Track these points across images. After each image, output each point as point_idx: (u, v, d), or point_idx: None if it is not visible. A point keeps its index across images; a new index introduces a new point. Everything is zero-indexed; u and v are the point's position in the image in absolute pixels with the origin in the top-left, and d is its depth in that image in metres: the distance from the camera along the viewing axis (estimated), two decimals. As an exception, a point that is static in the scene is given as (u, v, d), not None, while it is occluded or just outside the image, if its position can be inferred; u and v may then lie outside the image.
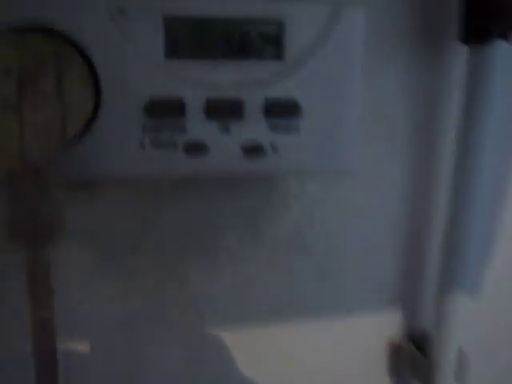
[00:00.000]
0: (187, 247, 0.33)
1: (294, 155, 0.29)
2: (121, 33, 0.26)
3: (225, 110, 0.28)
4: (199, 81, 0.28)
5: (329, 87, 0.29)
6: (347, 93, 0.30)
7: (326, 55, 0.29)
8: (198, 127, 0.28)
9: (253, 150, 0.29)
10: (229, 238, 0.34)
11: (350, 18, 0.29)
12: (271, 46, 0.28)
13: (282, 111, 0.29)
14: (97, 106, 0.26)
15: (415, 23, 0.34)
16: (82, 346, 0.33)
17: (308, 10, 0.28)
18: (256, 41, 0.28)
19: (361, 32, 0.29)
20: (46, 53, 0.25)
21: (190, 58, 0.27)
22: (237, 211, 0.33)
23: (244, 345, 0.35)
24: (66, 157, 0.26)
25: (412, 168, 0.36)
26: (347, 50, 0.29)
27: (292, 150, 0.29)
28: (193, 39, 0.27)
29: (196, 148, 0.28)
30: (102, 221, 0.31)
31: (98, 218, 0.31)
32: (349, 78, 0.30)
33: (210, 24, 0.27)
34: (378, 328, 0.38)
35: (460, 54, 0.34)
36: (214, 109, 0.28)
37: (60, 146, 0.25)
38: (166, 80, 0.27)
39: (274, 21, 0.28)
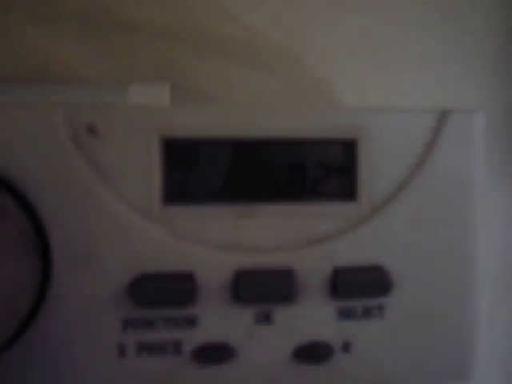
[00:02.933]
0: None
1: (377, 356, 0.17)
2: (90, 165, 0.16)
3: (265, 288, 0.16)
4: (216, 238, 0.16)
5: (437, 237, 0.18)
6: (466, 247, 0.18)
7: (427, 185, 0.17)
8: (216, 319, 0.16)
9: (311, 351, 0.17)
10: None
11: (464, 123, 0.17)
12: (337, 178, 0.17)
13: (359, 286, 0.17)
14: (44, 287, 0.15)
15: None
16: None
17: (394, 120, 0.17)
18: (314, 172, 0.17)
19: (480, 148, 0.18)
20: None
21: (197, 204, 0.16)
22: None
23: None
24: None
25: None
26: (461, 174, 0.18)
27: (375, 349, 0.17)
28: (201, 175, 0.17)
29: (213, 352, 0.16)
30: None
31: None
32: (467, 222, 0.18)
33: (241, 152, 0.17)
34: None
35: None
36: (245, 287, 0.16)
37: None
38: (165, 238, 0.16)
39: (341, 140, 0.17)
